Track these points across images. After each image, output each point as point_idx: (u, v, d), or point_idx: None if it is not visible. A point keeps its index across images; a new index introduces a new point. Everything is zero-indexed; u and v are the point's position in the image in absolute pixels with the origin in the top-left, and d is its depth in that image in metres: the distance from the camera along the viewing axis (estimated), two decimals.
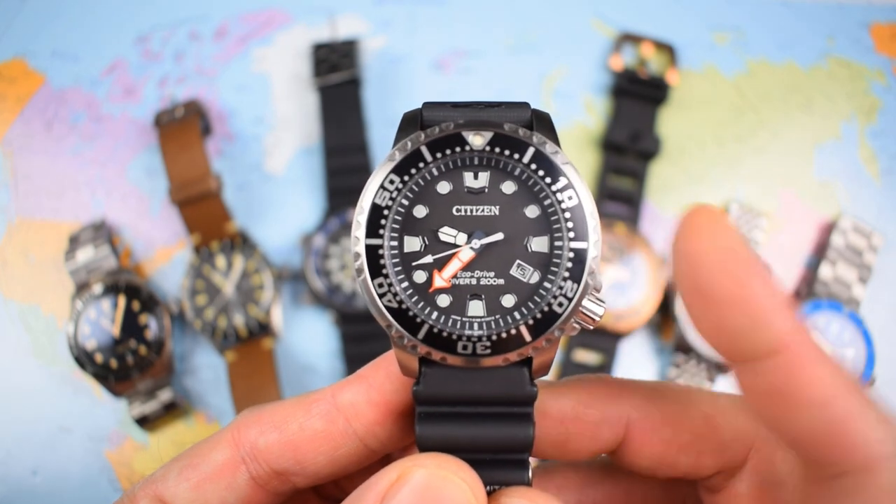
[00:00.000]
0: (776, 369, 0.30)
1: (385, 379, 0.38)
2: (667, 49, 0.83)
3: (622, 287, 0.78)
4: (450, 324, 0.35)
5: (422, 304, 0.35)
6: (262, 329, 0.77)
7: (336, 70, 0.80)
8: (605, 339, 0.79)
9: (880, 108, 0.83)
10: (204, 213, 0.76)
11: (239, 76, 0.82)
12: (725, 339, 0.31)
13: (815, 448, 0.31)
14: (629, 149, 0.80)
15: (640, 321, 0.78)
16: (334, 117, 0.81)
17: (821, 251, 0.80)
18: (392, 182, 0.35)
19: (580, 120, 0.83)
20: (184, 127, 0.77)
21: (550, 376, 0.80)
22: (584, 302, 0.35)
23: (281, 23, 0.83)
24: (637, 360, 0.81)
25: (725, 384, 0.80)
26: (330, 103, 0.81)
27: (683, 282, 0.31)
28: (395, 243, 0.35)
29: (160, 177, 0.80)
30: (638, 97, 0.81)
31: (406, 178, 0.35)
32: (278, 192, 0.81)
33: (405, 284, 0.35)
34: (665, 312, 0.79)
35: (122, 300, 0.74)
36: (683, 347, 0.77)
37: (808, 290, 0.79)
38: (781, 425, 0.32)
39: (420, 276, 0.36)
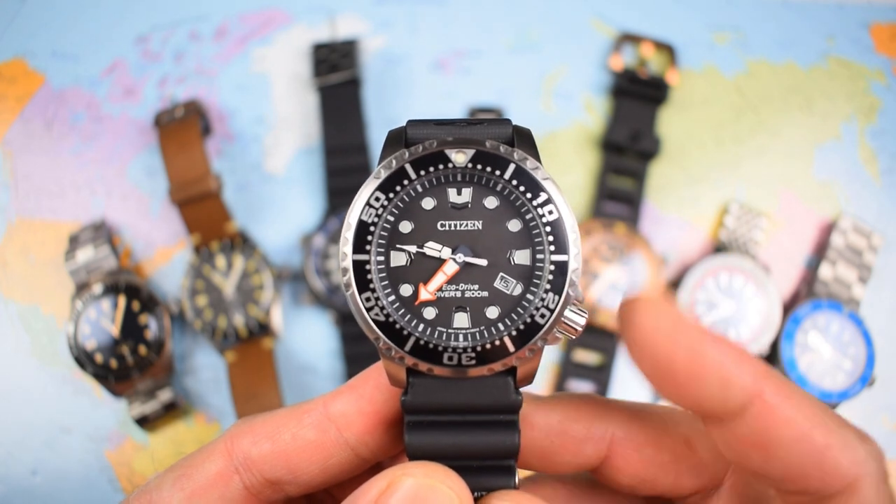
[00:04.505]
0: (752, 421, 0.32)
1: (375, 389, 0.39)
2: (667, 49, 0.82)
3: (622, 287, 0.78)
4: (436, 336, 0.36)
5: (408, 316, 0.36)
6: (262, 329, 0.77)
7: (336, 70, 0.80)
8: (605, 339, 0.79)
9: (880, 108, 0.83)
10: (204, 213, 0.76)
11: (239, 76, 0.82)
12: (699, 407, 0.33)
13: (799, 481, 0.32)
14: (629, 149, 0.80)
15: None
16: (334, 117, 0.81)
17: (821, 251, 0.80)
18: (378, 199, 0.36)
19: (580, 120, 0.83)
20: (184, 127, 0.77)
21: (547, 378, 0.80)
22: (567, 312, 0.36)
23: (281, 23, 0.83)
24: None
25: None
26: (330, 103, 0.81)
27: (644, 368, 0.33)
28: (381, 258, 0.36)
29: (160, 177, 0.80)
30: (638, 97, 0.81)
31: (391, 195, 0.36)
32: (278, 192, 0.81)
33: (392, 298, 0.36)
34: None
35: (122, 300, 0.74)
36: None
37: (808, 290, 0.79)
38: (763, 468, 0.33)
39: (406, 290, 0.37)
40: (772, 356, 0.77)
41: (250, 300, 0.77)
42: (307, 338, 0.80)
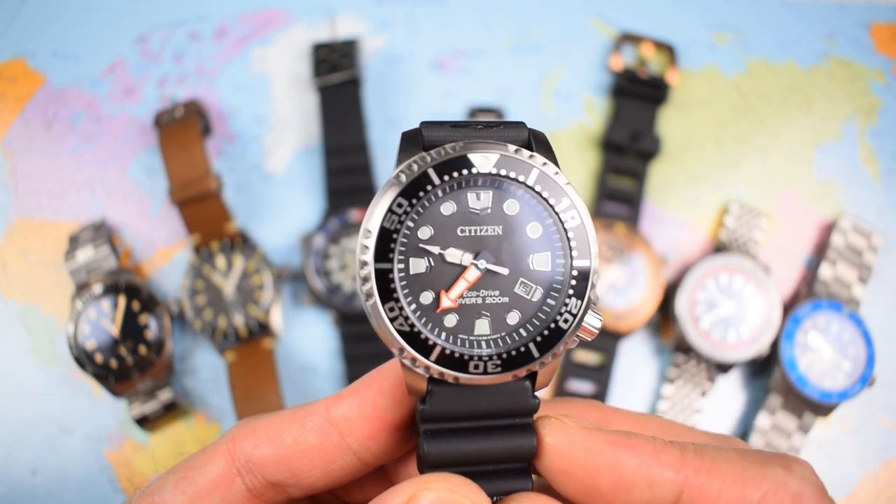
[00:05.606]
0: None
1: (378, 394, 0.38)
2: (667, 49, 0.82)
3: (622, 287, 0.78)
4: (458, 344, 0.36)
5: (430, 325, 0.36)
6: (262, 329, 0.77)
7: (336, 70, 0.80)
8: (605, 339, 0.79)
9: (880, 108, 0.83)
10: (204, 213, 0.76)
11: (239, 76, 0.82)
12: None
13: None
14: (629, 149, 0.80)
15: (640, 321, 0.78)
16: (334, 117, 0.81)
17: (821, 251, 0.80)
18: (400, 206, 0.35)
19: (580, 120, 0.83)
20: (184, 127, 0.77)
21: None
22: (586, 316, 0.36)
23: (281, 23, 0.83)
24: (637, 361, 0.81)
25: (725, 383, 0.80)
26: (330, 103, 0.81)
27: (569, 491, 0.35)
28: (402, 266, 0.35)
29: (160, 177, 0.80)
30: (638, 97, 0.81)
31: (414, 200, 0.35)
32: (278, 192, 0.81)
33: (413, 307, 0.35)
34: (665, 312, 0.80)
35: (122, 300, 0.74)
36: (683, 347, 0.77)
37: (808, 290, 0.79)
38: None
39: (427, 297, 0.36)
40: (772, 356, 0.77)
41: (250, 300, 0.77)
42: (307, 338, 0.80)
